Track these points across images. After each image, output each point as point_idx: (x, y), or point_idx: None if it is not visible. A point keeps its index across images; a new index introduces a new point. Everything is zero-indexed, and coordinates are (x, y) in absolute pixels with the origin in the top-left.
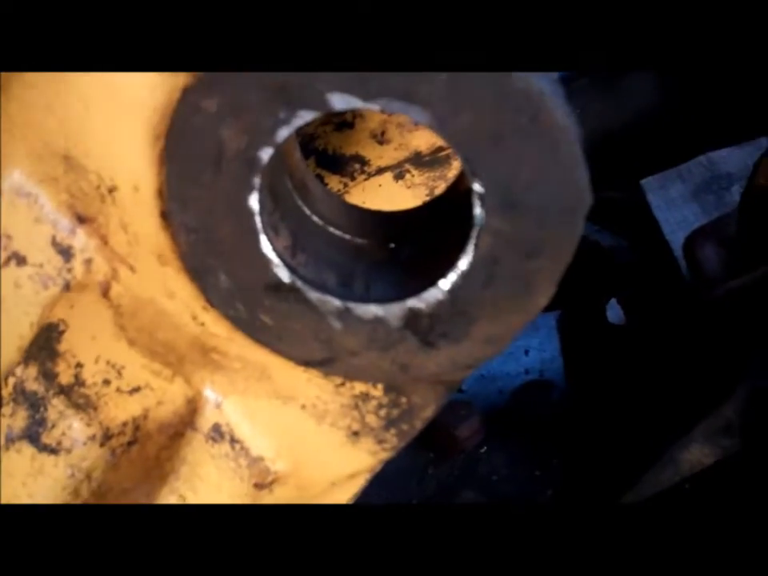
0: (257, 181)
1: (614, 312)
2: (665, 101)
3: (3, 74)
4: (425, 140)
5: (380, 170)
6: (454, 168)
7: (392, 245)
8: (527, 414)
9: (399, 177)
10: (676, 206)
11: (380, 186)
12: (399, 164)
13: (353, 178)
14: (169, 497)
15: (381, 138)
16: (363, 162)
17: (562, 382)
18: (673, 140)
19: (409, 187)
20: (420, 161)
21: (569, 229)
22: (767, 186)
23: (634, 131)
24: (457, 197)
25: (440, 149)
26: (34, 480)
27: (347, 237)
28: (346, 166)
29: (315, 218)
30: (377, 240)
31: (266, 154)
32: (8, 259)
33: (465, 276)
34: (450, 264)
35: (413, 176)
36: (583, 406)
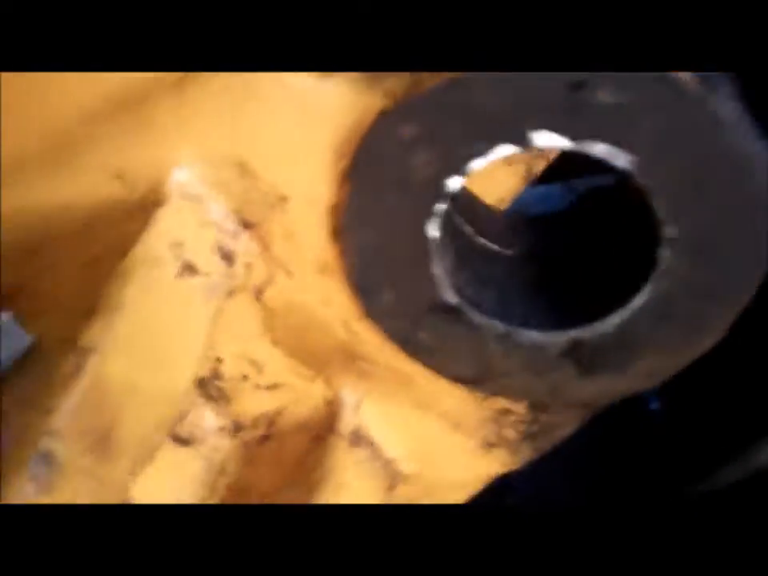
0: (440, 208)
1: None
2: None
3: (180, 76)
4: None
5: None
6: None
7: (553, 262)
8: None
9: None
10: None
11: None
12: None
13: None
14: None
15: None
16: None
17: None
18: None
19: (509, 164)
20: None
21: (749, 279)
22: None
23: None
24: (623, 210)
25: None
26: (173, 475)
27: (497, 248)
28: None
29: (466, 227)
30: (527, 251)
31: (455, 183)
32: (182, 270)
33: (636, 313)
34: (623, 300)
35: None
36: None
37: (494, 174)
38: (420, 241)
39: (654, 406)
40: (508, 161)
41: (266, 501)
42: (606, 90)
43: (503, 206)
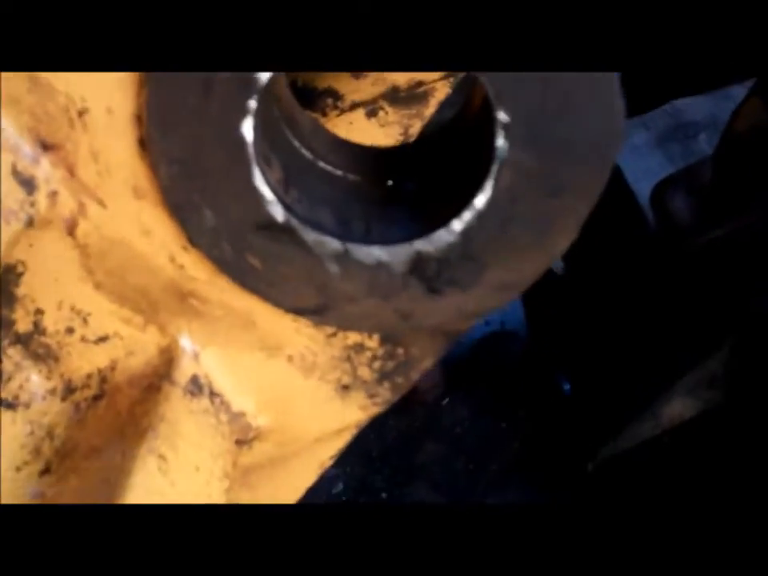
0: (252, 104)
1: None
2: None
3: None
4: (404, 74)
5: (353, 106)
6: (432, 106)
7: (390, 181)
8: (490, 366)
9: (372, 114)
10: (640, 154)
11: (351, 123)
12: (374, 100)
13: (324, 114)
14: (147, 457)
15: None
16: (336, 96)
17: (523, 332)
18: (637, 88)
19: (382, 125)
20: (396, 97)
21: (599, 165)
22: (746, 133)
23: None
24: (467, 125)
25: (419, 83)
26: None
27: (340, 173)
28: (317, 100)
29: (305, 152)
30: (373, 177)
31: (265, 74)
32: None
33: (481, 216)
34: (465, 202)
35: (386, 113)
36: (549, 357)
37: (367, 136)
38: (235, 147)
39: (566, 387)
40: (381, 122)
41: (93, 457)
42: None
43: None
